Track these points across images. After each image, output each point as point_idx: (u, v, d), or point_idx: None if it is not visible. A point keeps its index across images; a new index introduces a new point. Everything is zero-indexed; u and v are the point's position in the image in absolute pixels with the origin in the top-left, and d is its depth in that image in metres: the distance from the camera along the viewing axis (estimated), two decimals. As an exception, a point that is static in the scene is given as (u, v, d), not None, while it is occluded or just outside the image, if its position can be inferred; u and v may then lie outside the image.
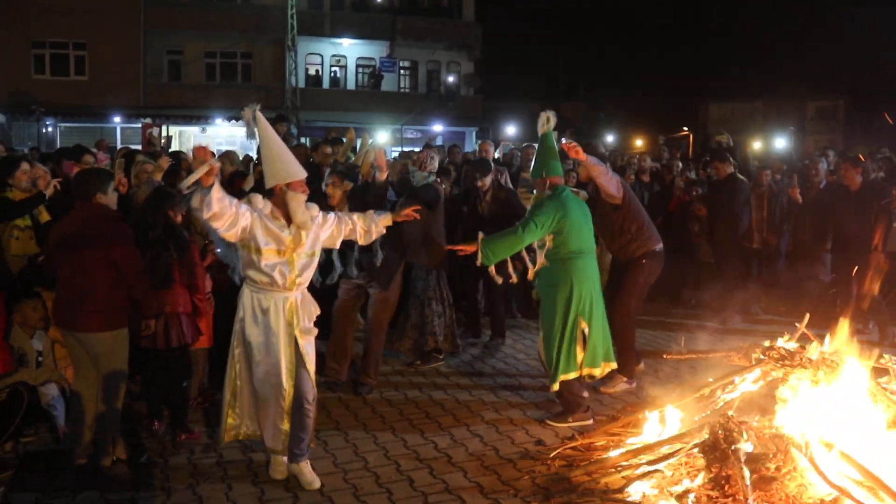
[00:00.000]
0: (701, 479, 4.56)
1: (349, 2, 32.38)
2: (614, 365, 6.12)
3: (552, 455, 5.22)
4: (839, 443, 4.46)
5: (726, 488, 4.44)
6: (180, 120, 28.26)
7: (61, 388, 5.55)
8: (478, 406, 6.30)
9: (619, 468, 4.84)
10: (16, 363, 5.42)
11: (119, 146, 23.40)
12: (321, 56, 32.80)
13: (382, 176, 6.26)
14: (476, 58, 35.04)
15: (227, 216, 4.50)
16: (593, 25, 65.76)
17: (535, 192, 6.12)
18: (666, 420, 5.25)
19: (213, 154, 5.74)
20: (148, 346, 5.34)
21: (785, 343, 5.23)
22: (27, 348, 5.44)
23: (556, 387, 5.82)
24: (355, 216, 5.13)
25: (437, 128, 31.20)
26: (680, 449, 4.78)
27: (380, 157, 6.32)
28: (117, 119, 27.85)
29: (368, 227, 5.11)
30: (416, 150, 10.79)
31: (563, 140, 6.45)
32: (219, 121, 27.97)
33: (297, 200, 4.67)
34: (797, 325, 5.41)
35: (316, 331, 4.90)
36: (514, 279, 6.22)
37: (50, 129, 27.70)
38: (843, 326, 5.14)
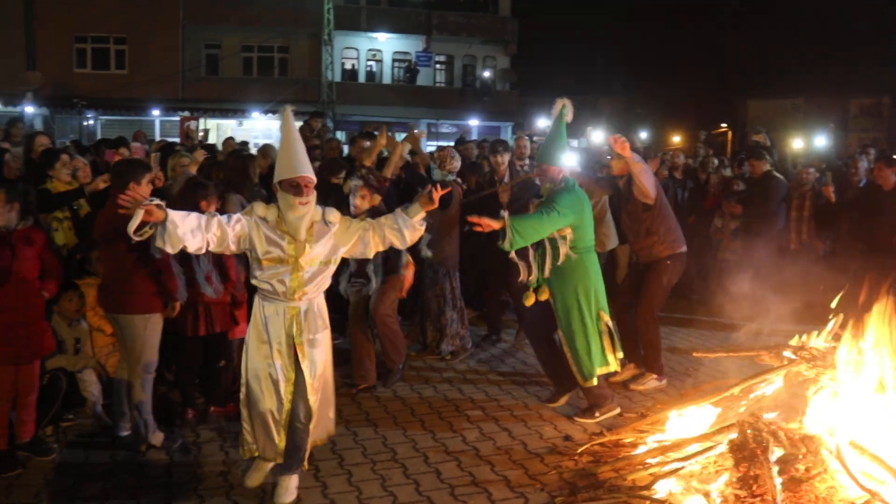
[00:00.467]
0: (729, 478, 4.54)
1: (385, -4, 32.54)
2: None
3: (580, 451, 5.24)
4: (870, 445, 4.42)
5: (754, 488, 4.42)
6: (217, 113, 28.63)
7: (98, 375, 5.71)
8: (507, 401, 6.33)
9: (646, 465, 4.83)
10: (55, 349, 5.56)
11: (157, 139, 23.82)
12: (357, 50, 32.97)
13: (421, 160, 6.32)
14: (512, 52, 34.96)
15: (203, 239, 4.21)
16: (630, 19, 65.18)
17: (538, 180, 6.07)
18: (695, 418, 5.24)
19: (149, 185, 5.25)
20: (180, 332, 5.48)
21: (816, 342, 5.18)
22: (65, 336, 5.58)
23: (593, 382, 5.74)
24: (382, 220, 4.64)
25: (473, 122, 31.22)
26: (708, 448, 4.76)
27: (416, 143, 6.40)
28: (156, 112, 28.31)
29: (399, 227, 4.56)
30: (451, 144, 10.74)
31: (611, 134, 6.38)
32: (255, 114, 28.29)
33: (285, 202, 4.35)
34: (830, 324, 5.35)
35: (322, 343, 4.61)
36: (535, 273, 5.91)
37: (91, 122, 28.25)
38: (873, 327, 5.06)
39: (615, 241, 8.43)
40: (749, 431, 4.58)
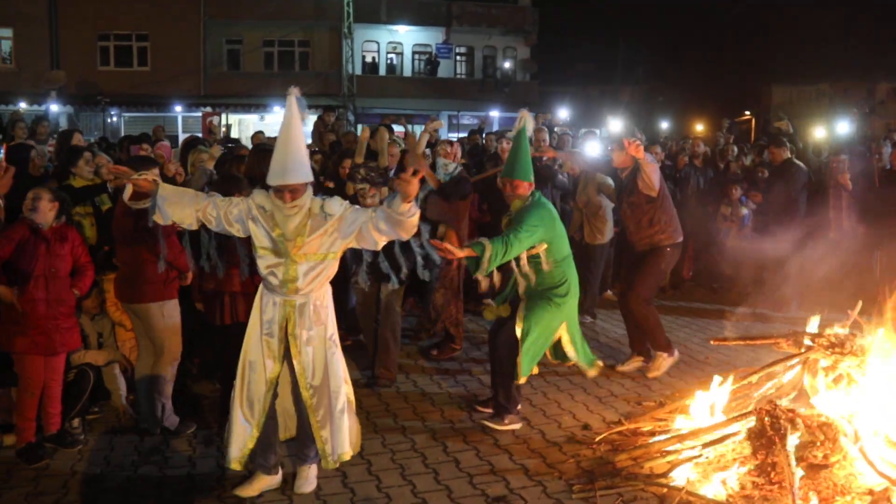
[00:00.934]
0: (747, 465, 4.55)
1: (405, -12, 32.51)
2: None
3: (598, 439, 5.26)
4: (889, 431, 4.40)
5: (772, 475, 4.43)
6: (239, 108, 28.81)
7: (123, 369, 5.82)
8: (525, 390, 6.34)
9: (663, 453, 4.85)
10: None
11: (180, 135, 24.05)
12: (377, 43, 32.99)
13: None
14: (532, 43, 34.83)
15: (194, 216, 4.31)
16: (652, 7, 64.66)
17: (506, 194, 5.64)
18: (713, 406, 5.24)
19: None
20: (207, 321, 5.57)
21: (835, 329, 5.16)
22: (88, 330, 5.69)
23: (522, 381, 5.47)
24: (373, 215, 4.33)
25: (494, 114, 31.15)
26: (726, 435, 4.76)
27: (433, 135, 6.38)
28: (178, 108, 28.55)
29: (387, 229, 4.27)
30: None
31: (627, 139, 6.40)
32: (277, 108, 28.39)
33: (275, 202, 4.29)
34: (849, 311, 5.33)
35: (317, 340, 4.47)
36: (497, 280, 5.77)
37: (115, 118, 28.57)
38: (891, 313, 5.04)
39: (610, 234, 8.39)
40: (767, 419, 4.57)
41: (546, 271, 5.44)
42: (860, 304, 5.38)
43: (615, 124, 11.04)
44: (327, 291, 4.55)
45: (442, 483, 4.75)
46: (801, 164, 9.37)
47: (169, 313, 5.33)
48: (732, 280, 9.54)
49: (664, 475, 4.63)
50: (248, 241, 4.56)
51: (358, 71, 31.64)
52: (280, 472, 4.70)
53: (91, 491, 4.67)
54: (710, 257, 9.74)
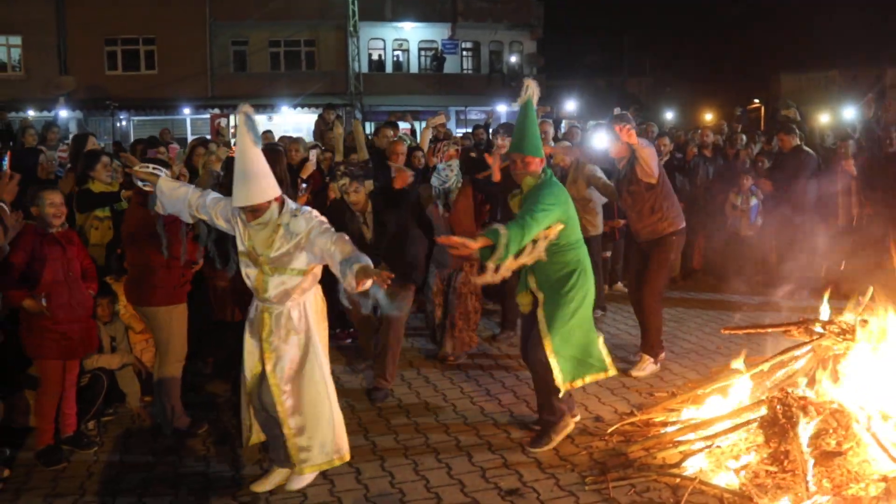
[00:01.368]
0: (759, 454, 4.55)
1: (409, -15, 32.51)
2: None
3: (610, 431, 5.27)
4: (902, 417, 4.39)
5: (785, 464, 4.42)
6: (247, 109, 28.84)
7: (137, 371, 5.86)
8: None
9: (676, 443, 4.85)
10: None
11: (189, 137, 24.14)
12: (383, 41, 33.02)
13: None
14: (538, 36, 34.79)
15: (186, 213, 4.60)
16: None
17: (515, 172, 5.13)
18: (725, 396, 5.24)
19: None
20: (220, 319, 5.63)
21: (846, 316, 5.15)
22: (101, 335, 5.71)
23: (566, 387, 5.05)
24: (335, 251, 4.21)
25: (501, 108, 31.11)
26: (738, 424, 4.76)
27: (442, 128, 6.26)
28: (187, 111, 28.67)
29: (343, 272, 4.10)
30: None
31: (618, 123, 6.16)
32: (284, 108, 28.51)
33: (244, 225, 4.40)
34: (859, 298, 5.31)
35: (294, 348, 4.46)
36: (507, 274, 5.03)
37: (124, 122, 28.71)
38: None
39: (600, 228, 8.26)
40: (779, 407, 4.57)
41: (558, 256, 5.00)
42: (871, 290, 5.35)
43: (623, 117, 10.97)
44: (310, 299, 4.54)
45: (455, 477, 4.77)
46: (811, 150, 9.34)
47: (176, 318, 5.36)
48: (741, 270, 9.51)
49: (677, 465, 4.64)
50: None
51: (364, 69, 31.67)
52: None
53: (107, 491, 4.71)
54: (719, 247, 9.70)
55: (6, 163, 5.46)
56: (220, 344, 6.25)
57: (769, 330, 5.96)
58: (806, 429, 4.41)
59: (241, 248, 4.46)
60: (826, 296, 5.59)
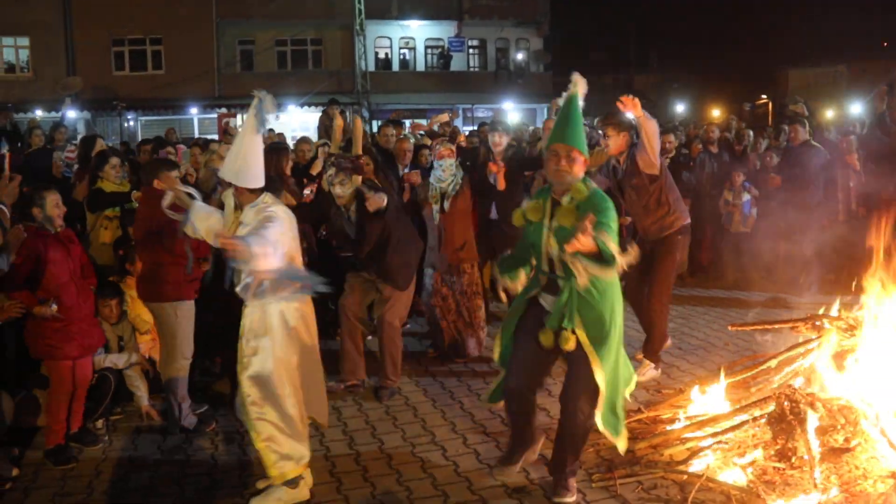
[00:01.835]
0: (767, 450, 4.53)
1: (416, -17, 32.49)
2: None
3: (617, 428, 5.25)
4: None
5: (793, 460, 4.41)
6: (254, 109, 28.89)
7: (145, 371, 5.88)
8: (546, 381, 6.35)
9: (683, 440, 4.84)
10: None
11: (197, 137, 24.19)
12: (390, 39, 33.00)
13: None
14: (545, 33, 34.70)
15: (215, 241, 4.44)
16: (665, -5, 64.20)
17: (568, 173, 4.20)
18: (732, 392, 5.22)
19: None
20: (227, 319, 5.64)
21: (853, 311, 5.13)
22: (109, 335, 5.72)
23: (623, 446, 4.44)
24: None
25: (508, 106, 31.09)
26: (746, 421, 4.75)
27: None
28: (194, 110, 28.73)
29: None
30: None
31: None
32: (291, 107, 28.51)
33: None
34: (865, 293, 5.28)
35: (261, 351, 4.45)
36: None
37: (131, 123, 28.79)
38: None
39: None
40: (786, 403, 4.55)
41: (602, 284, 4.16)
42: (878, 285, 5.32)
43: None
44: (286, 306, 4.43)
45: (462, 475, 4.77)
46: (819, 145, 9.30)
47: (183, 314, 5.40)
48: (739, 266, 9.49)
49: (684, 462, 4.62)
50: None
51: (371, 67, 31.67)
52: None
53: (116, 491, 4.72)
54: (724, 244, 9.69)
55: (6, 164, 5.49)
56: (228, 343, 6.25)
57: (776, 326, 5.93)
58: (814, 425, 4.40)
59: None
60: (836, 297, 5.55)
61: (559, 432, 4.47)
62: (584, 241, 3.71)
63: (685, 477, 4.49)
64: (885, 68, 41.85)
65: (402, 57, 33.54)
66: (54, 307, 4.94)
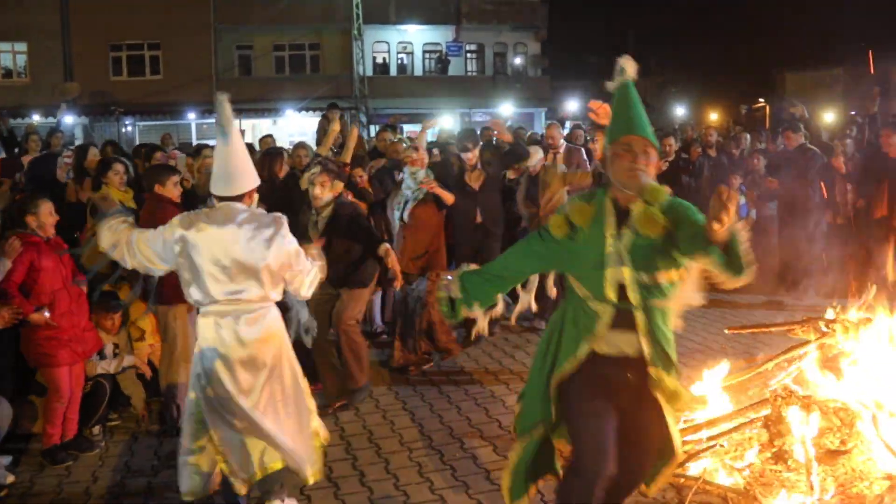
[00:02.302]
0: (764, 453, 4.53)
1: (413, -12, 32.54)
2: None
3: (614, 431, 5.24)
4: (906, 415, 4.37)
5: (790, 462, 4.42)
6: (252, 113, 28.90)
7: (140, 374, 5.87)
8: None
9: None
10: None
11: (194, 142, 24.20)
12: (388, 44, 33.03)
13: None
14: (542, 38, 34.74)
15: None
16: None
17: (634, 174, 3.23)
18: (728, 395, 5.22)
19: None
20: None
21: (849, 314, 5.13)
22: (105, 341, 5.70)
23: None
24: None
25: (506, 110, 31.13)
26: (742, 424, 4.75)
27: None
28: (192, 115, 28.72)
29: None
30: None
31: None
32: (289, 112, 28.56)
33: None
34: (863, 296, 5.30)
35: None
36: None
37: (129, 128, 28.77)
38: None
39: None
40: (783, 406, 4.55)
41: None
42: (874, 288, 5.34)
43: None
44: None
45: (460, 479, 4.77)
46: (816, 148, 9.32)
47: (179, 317, 5.42)
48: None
49: (681, 465, 4.61)
50: None
51: (369, 72, 31.70)
52: None
53: (113, 496, 4.72)
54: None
55: None
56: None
57: (773, 329, 5.94)
58: (810, 427, 4.40)
59: None
60: (833, 301, 5.56)
61: None
62: (726, 221, 2.84)
63: (682, 480, 4.48)
64: (881, 71, 41.97)
65: (400, 61, 33.58)
66: (47, 314, 4.97)
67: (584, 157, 9.27)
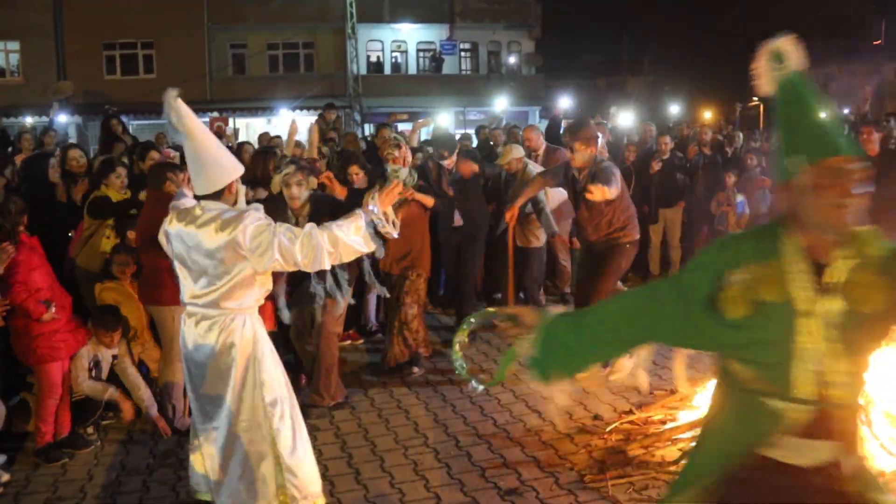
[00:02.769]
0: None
1: (407, -14, 32.51)
2: None
3: (609, 429, 5.26)
4: (900, 412, 4.38)
5: (784, 459, 4.41)
6: (246, 112, 28.88)
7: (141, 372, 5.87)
8: (537, 382, 6.34)
9: (675, 441, 4.86)
10: (91, 364, 5.60)
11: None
12: (382, 42, 33.01)
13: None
14: (536, 36, 34.77)
15: None
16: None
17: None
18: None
19: None
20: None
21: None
22: (102, 354, 5.63)
23: None
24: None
25: (500, 108, 31.15)
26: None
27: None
28: (186, 115, 28.61)
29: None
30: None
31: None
32: (283, 111, 28.49)
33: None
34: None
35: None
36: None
37: (123, 127, 28.65)
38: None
39: (545, 237, 8.04)
40: (777, 403, 4.56)
41: None
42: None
43: (625, 117, 10.97)
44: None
45: (455, 477, 4.77)
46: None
47: (178, 318, 5.33)
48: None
49: (676, 462, 4.63)
50: None
51: (363, 71, 31.65)
52: None
53: (108, 495, 4.72)
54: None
55: None
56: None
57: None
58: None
59: None
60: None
61: None
62: None
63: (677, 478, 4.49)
64: (874, 70, 42.13)
65: (393, 60, 33.55)
66: (52, 309, 5.04)
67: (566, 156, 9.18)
